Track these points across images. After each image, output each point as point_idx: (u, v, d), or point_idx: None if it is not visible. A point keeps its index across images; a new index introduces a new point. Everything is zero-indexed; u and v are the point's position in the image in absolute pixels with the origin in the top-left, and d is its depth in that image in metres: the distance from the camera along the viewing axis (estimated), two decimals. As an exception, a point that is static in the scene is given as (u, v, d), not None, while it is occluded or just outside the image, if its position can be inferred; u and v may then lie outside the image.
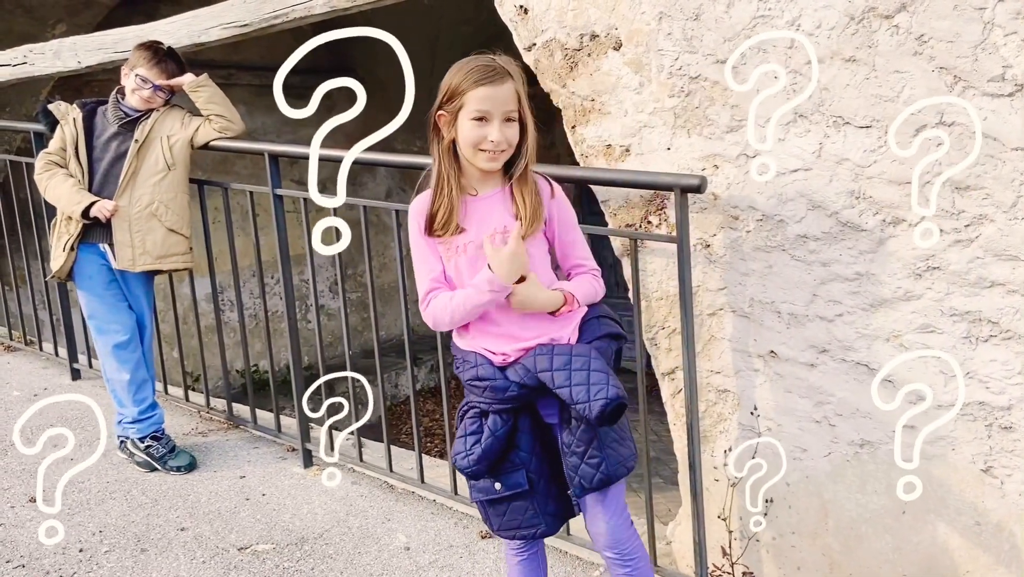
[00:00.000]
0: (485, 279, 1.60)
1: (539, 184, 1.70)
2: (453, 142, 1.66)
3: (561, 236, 1.73)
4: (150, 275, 2.96)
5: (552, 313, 1.66)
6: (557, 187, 1.74)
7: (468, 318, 1.67)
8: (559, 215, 1.72)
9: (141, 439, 2.92)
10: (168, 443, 2.95)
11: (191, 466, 2.91)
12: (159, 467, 2.90)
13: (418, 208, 1.72)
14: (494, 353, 1.67)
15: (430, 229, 1.68)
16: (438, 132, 1.69)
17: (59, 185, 2.81)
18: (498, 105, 1.60)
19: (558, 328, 1.67)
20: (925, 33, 1.70)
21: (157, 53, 2.86)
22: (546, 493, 1.70)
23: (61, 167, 2.87)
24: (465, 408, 1.72)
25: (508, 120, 1.61)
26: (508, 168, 1.67)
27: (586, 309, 1.72)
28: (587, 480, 1.65)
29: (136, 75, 2.83)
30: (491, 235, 1.62)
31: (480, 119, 1.60)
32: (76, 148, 2.85)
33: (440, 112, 1.67)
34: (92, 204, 2.76)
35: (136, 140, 2.83)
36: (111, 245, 2.84)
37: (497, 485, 1.68)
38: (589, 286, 1.72)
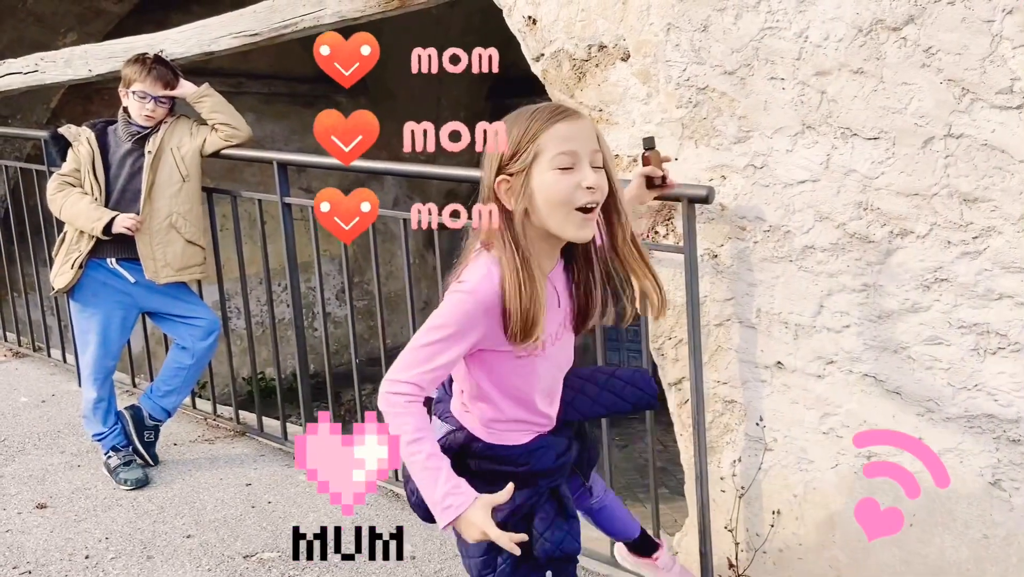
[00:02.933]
0: (449, 503, 1.24)
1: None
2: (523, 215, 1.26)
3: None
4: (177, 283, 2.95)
5: None
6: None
7: (412, 475, 1.32)
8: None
9: (105, 451, 2.94)
10: (125, 456, 2.92)
11: (140, 482, 2.85)
12: (113, 479, 2.90)
13: (483, 297, 1.29)
14: (536, 416, 1.46)
15: (526, 336, 1.27)
16: (501, 210, 1.28)
17: (76, 203, 2.80)
18: (585, 143, 1.25)
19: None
20: (933, 45, 1.70)
21: (145, 64, 2.85)
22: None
23: (75, 187, 2.86)
24: (532, 499, 1.43)
25: (596, 167, 1.26)
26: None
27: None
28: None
29: (133, 92, 2.83)
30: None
31: (566, 168, 1.24)
32: (93, 167, 2.84)
33: (500, 178, 1.28)
34: (112, 220, 2.76)
35: (149, 151, 2.83)
36: (127, 259, 2.84)
37: (548, 574, 1.46)
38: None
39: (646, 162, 1.81)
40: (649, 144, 1.81)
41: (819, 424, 2.03)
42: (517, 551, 1.25)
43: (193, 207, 2.93)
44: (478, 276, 1.30)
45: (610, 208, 1.32)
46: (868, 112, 1.80)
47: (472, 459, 1.43)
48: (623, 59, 2.16)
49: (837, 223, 1.90)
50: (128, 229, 2.76)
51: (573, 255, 1.37)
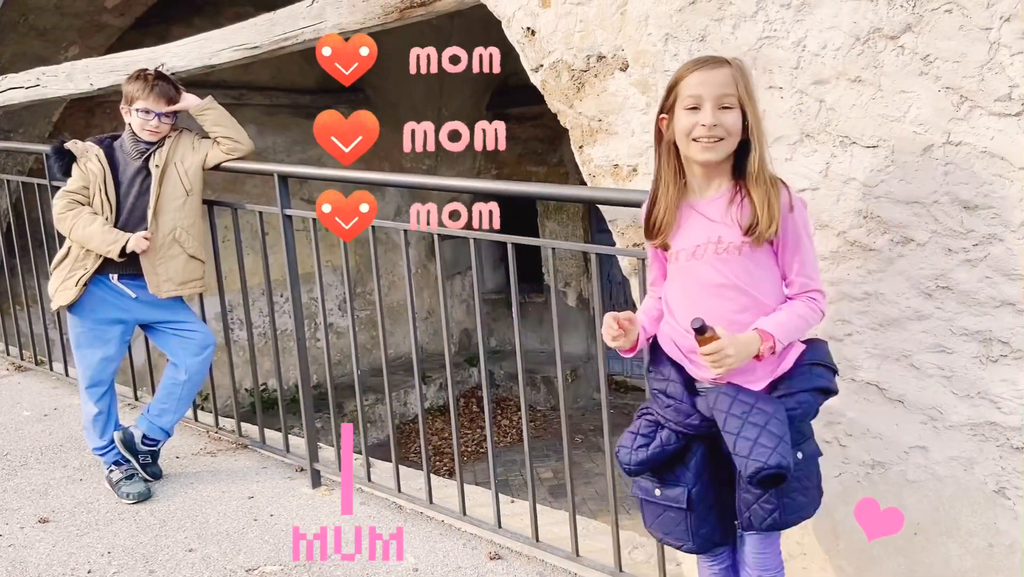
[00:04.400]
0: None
1: (781, 193, 1.59)
2: (674, 145, 1.62)
3: (783, 254, 1.64)
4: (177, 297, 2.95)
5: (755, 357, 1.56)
6: (797, 199, 1.62)
7: None
8: (791, 230, 1.62)
9: (107, 465, 2.94)
10: (127, 470, 2.92)
11: (142, 496, 2.86)
12: (115, 493, 2.89)
13: (641, 213, 1.72)
14: (697, 368, 1.64)
15: (650, 233, 1.66)
16: (660, 136, 1.65)
17: (88, 224, 2.78)
18: (711, 89, 1.54)
19: (761, 366, 1.61)
20: (931, 53, 1.70)
21: (147, 80, 2.85)
22: (702, 517, 1.68)
23: (83, 205, 2.84)
24: (645, 409, 1.72)
25: (724, 108, 1.55)
26: (737, 169, 1.60)
27: (801, 347, 1.67)
28: (757, 521, 1.63)
29: (136, 110, 2.82)
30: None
31: (693, 107, 1.55)
32: (104, 185, 2.83)
33: (661, 116, 1.64)
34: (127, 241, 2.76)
35: (156, 166, 2.84)
36: (128, 275, 2.84)
37: (657, 492, 1.69)
38: (797, 319, 1.60)
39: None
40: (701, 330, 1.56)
41: (822, 433, 2.02)
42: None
43: (195, 221, 2.94)
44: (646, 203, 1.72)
45: (747, 141, 1.58)
46: (867, 120, 1.80)
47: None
48: (622, 69, 2.17)
49: (837, 231, 1.90)
50: (144, 244, 2.77)
51: (736, 178, 1.62)
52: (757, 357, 1.56)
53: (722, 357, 1.52)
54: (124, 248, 2.75)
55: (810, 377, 1.65)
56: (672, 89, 1.61)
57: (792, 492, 1.63)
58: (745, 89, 1.57)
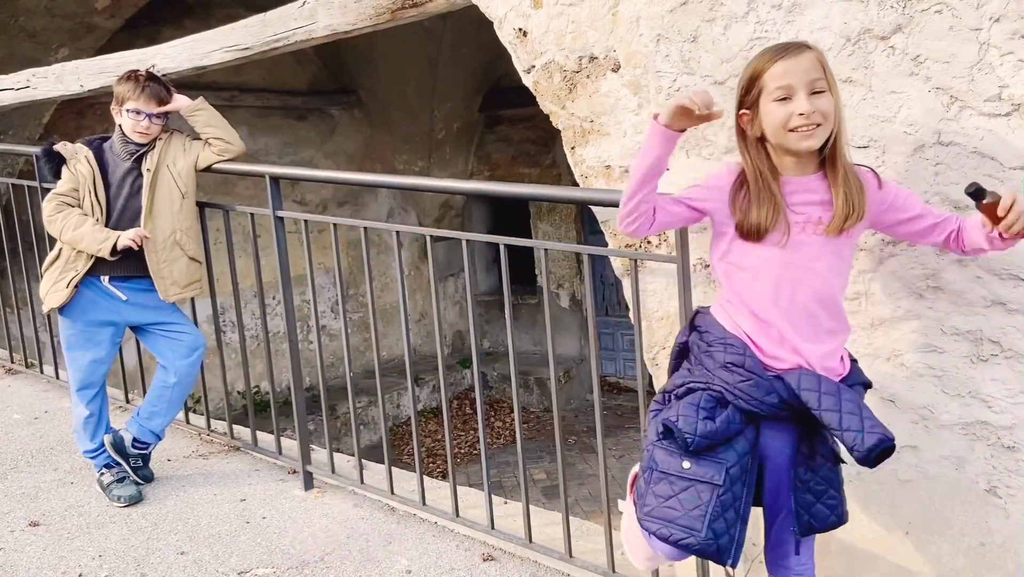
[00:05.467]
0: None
1: (861, 175, 1.58)
2: (761, 140, 1.57)
3: (903, 215, 1.60)
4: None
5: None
6: (885, 180, 1.62)
7: (641, 168, 1.56)
8: (894, 200, 1.60)
9: (98, 468, 2.92)
10: (118, 473, 2.90)
11: (133, 499, 2.84)
12: (106, 496, 2.88)
13: (723, 181, 1.63)
14: (764, 353, 1.58)
15: (755, 235, 1.56)
16: (743, 135, 1.59)
17: (78, 225, 2.77)
18: (801, 76, 1.49)
19: (834, 349, 1.60)
20: (921, 54, 1.71)
21: (139, 81, 2.84)
22: (726, 504, 1.54)
23: (73, 207, 2.82)
24: (702, 385, 1.59)
25: (816, 93, 1.50)
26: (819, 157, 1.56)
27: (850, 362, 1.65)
28: (819, 520, 1.59)
29: (128, 110, 2.81)
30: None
31: (784, 98, 1.50)
32: (94, 187, 2.81)
33: (741, 112, 1.58)
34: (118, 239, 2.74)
35: (148, 169, 2.82)
36: (120, 277, 2.82)
37: (687, 464, 1.55)
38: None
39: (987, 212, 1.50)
40: (978, 194, 1.47)
41: (814, 433, 2.03)
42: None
43: (193, 223, 2.93)
44: (725, 168, 1.68)
45: (833, 128, 1.54)
46: (858, 120, 1.80)
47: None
48: (614, 70, 2.17)
49: (829, 231, 1.90)
50: (134, 242, 2.75)
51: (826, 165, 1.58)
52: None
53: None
54: (115, 247, 2.74)
55: (859, 372, 1.67)
56: (754, 82, 1.54)
57: (843, 486, 1.63)
58: (830, 72, 1.54)
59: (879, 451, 1.48)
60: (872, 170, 1.64)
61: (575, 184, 2.40)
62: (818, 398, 1.52)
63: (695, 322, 1.72)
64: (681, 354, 1.74)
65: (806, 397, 1.53)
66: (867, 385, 1.67)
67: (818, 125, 1.51)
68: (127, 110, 2.81)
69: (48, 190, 3.59)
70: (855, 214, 1.54)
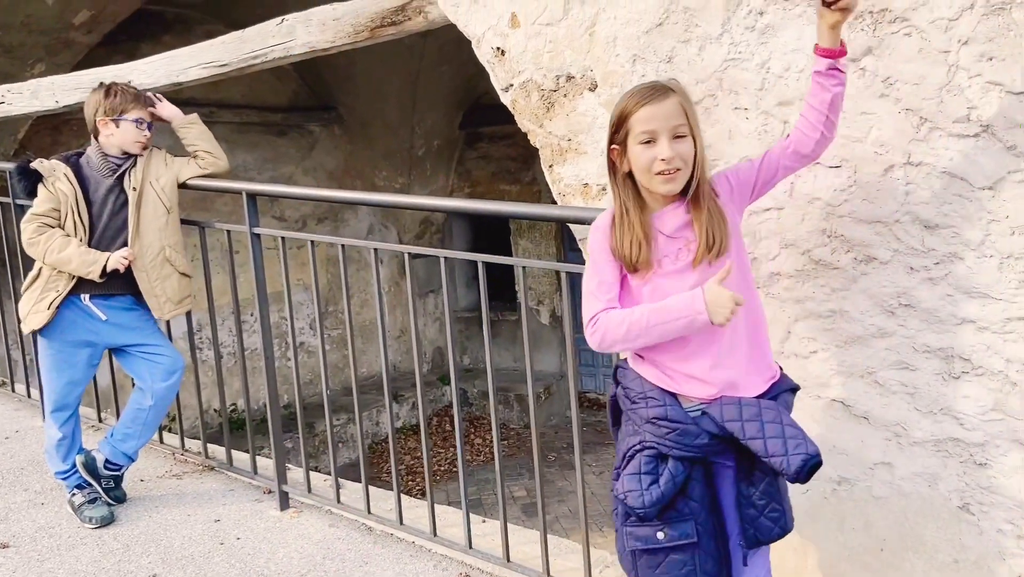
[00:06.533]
0: (691, 303, 1.53)
1: (717, 190, 1.63)
2: (630, 174, 1.63)
3: (753, 179, 1.67)
4: (141, 313, 2.89)
5: None
6: (726, 173, 1.68)
7: (647, 336, 1.59)
8: (738, 184, 1.66)
9: (69, 489, 2.87)
10: (90, 493, 2.85)
11: (105, 520, 2.79)
12: (77, 517, 2.82)
13: (601, 225, 1.67)
14: (685, 397, 1.63)
15: (632, 267, 1.62)
16: (613, 166, 1.66)
17: (63, 247, 2.70)
18: (663, 122, 1.56)
19: (746, 374, 1.62)
20: (891, 76, 1.74)
21: (132, 90, 2.83)
22: (707, 550, 1.62)
23: (53, 228, 2.74)
24: (639, 446, 1.64)
25: (678, 137, 1.57)
26: (684, 192, 1.62)
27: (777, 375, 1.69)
28: (763, 533, 1.62)
29: (131, 120, 2.77)
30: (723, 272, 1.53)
31: (648, 141, 1.57)
32: (76, 205, 2.74)
33: (612, 146, 1.64)
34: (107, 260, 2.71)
35: (134, 188, 2.79)
36: (99, 296, 2.78)
37: (660, 534, 1.60)
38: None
39: None
40: None
41: (790, 450, 2.04)
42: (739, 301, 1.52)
43: (179, 238, 2.91)
44: (599, 217, 1.71)
45: (695, 171, 1.60)
46: (830, 141, 1.82)
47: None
48: (591, 89, 2.18)
49: (802, 250, 1.92)
50: (121, 264, 2.71)
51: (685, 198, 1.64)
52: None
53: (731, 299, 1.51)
54: (104, 268, 2.71)
55: (785, 379, 1.71)
56: (621, 123, 1.61)
57: (785, 494, 1.66)
58: (692, 115, 1.60)
59: (806, 470, 1.53)
60: (726, 176, 1.68)
61: (555, 201, 2.41)
62: (741, 428, 1.57)
63: (617, 377, 1.76)
64: (615, 407, 1.78)
65: (731, 428, 1.58)
66: (794, 389, 1.71)
67: (678, 170, 1.57)
68: (131, 120, 2.78)
69: (22, 207, 3.54)
70: (716, 247, 1.58)
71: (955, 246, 1.73)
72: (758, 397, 1.63)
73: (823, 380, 1.95)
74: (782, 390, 1.68)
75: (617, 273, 1.66)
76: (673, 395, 1.64)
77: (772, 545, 2.05)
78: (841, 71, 1.60)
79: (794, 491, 2.04)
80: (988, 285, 1.70)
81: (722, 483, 1.67)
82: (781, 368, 1.74)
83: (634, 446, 1.65)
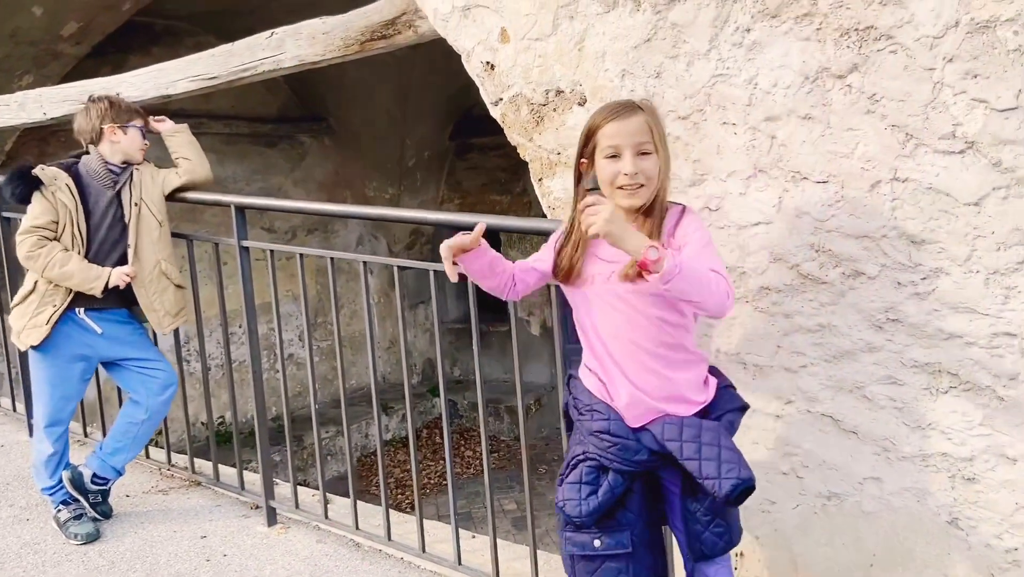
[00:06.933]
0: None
1: (668, 216, 1.65)
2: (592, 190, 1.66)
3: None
4: (135, 327, 2.87)
5: (641, 271, 1.45)
6: (689, 213, 1.68)
7: (475, 277, 1.69)
8: (684, 239, 1.63)
9: (55, 504, 2.85)
10: (75, 510, 2.81)
11: (90, 537, 2.76)
12: (63, 533, 2.79)
13: (551, 242, 1.78)
14: (621, 410, 1.66)
15: (555, 271, 1.71)
16: (579, 181, 1.71)
17: (64, 263, 2.66)
18: (628, 138, 1.60)
19: (684, 389, 1.64)
20: (877, 92, 1.75)
21: (126, 102, 2.85)
22: (641, 561, 1.67)
23: (52, 240, 2.69)
24: (582, 456, 1.69)
25: (643, 153, 1.61)
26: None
27: (713, 379, 1.71)
28: (710, 548, 1.64)
29: (137, 128, 2.80)
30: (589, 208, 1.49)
31: (613, 156, 1.61)
32: (76, 217, 2.70)
33: (581, 160, 1.69)
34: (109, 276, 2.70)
35: (135, 204, 2.78)
36: (95, 309, 2.76)
37: (596, 542, 1.65)
38: (699, 268, 1.49)
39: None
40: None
41: (779, 464, 2.04)
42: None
43: (171, 251, 2.91)
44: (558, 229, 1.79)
45: (658, 187, 1.64)
46: (816, 156, 1.84)
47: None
48: (580, 104, 2.19)
49: (791, 264, 1.93)
50: (125, 279, 2.70)
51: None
52: (642, 265, 1.44)
53: (600, 217, 1.44)
54: (107, 283, 2.69)
55: (731, 398, 1.72)
56: (590, 137, 1.65)
57: (734, 513, 1.68)
58: (659, 133, 1.64)
59: (735, 494, 1.55)
60: (685, 209, 1.68)
61: (545, 214, 2.41)
62: (680, 447, 1.60)
63: (568, 387, 1.80)
64: (568, 415, 1.82)
65: (670, 447, 1.61)
66: (743, 409, 1.73)
67: (641, 185, 1.61)
68: (137, 128, 2.80)
69: (8, 218, 3.51)
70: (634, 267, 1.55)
71: (941, 261, 1.74)
72: (701, 416, 1.66)
73: (812, 394, 1.95)
74: (728, 410, 1.69)
75: (550, 263, 1.75)
76: (616, 410, 1.67)
77: (760, 558, 2.05)
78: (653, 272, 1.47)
79: (784, 505, 2.04)
80: (975, 300, 1.71)
81: (670, 497, 1.70)
82: (731, 386, 1.74)
83: (578, 456, 1.70)
